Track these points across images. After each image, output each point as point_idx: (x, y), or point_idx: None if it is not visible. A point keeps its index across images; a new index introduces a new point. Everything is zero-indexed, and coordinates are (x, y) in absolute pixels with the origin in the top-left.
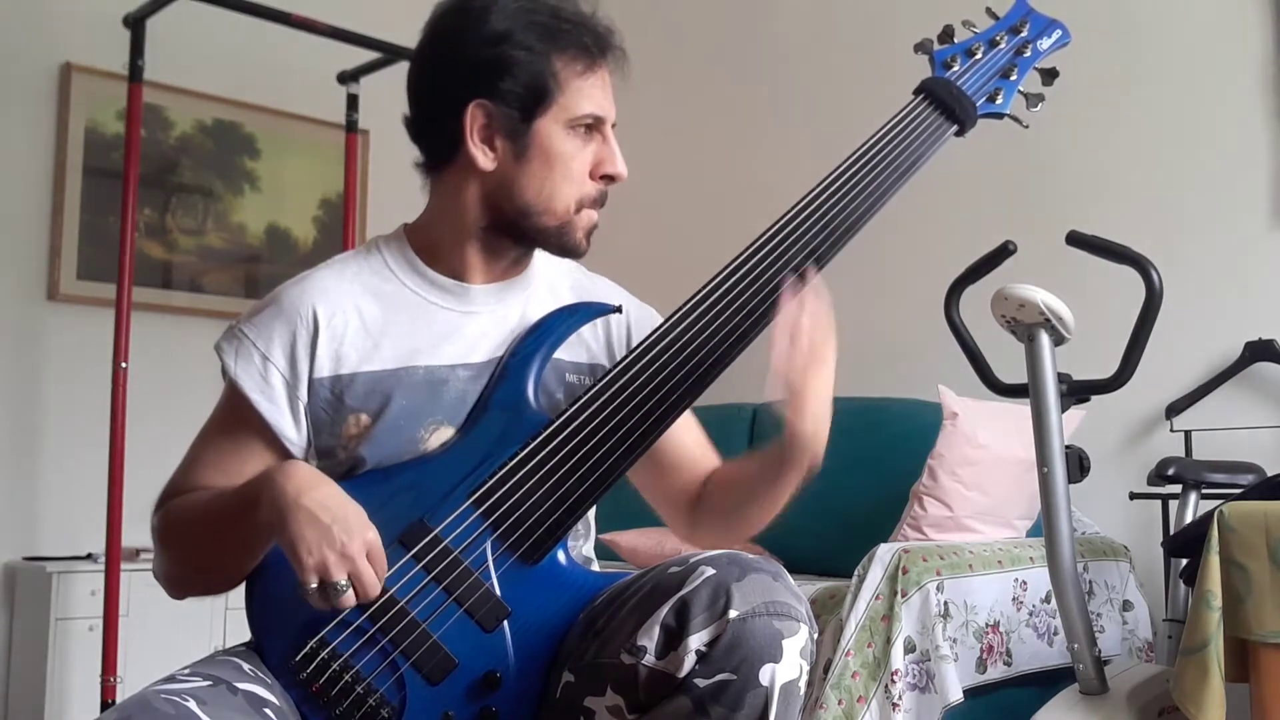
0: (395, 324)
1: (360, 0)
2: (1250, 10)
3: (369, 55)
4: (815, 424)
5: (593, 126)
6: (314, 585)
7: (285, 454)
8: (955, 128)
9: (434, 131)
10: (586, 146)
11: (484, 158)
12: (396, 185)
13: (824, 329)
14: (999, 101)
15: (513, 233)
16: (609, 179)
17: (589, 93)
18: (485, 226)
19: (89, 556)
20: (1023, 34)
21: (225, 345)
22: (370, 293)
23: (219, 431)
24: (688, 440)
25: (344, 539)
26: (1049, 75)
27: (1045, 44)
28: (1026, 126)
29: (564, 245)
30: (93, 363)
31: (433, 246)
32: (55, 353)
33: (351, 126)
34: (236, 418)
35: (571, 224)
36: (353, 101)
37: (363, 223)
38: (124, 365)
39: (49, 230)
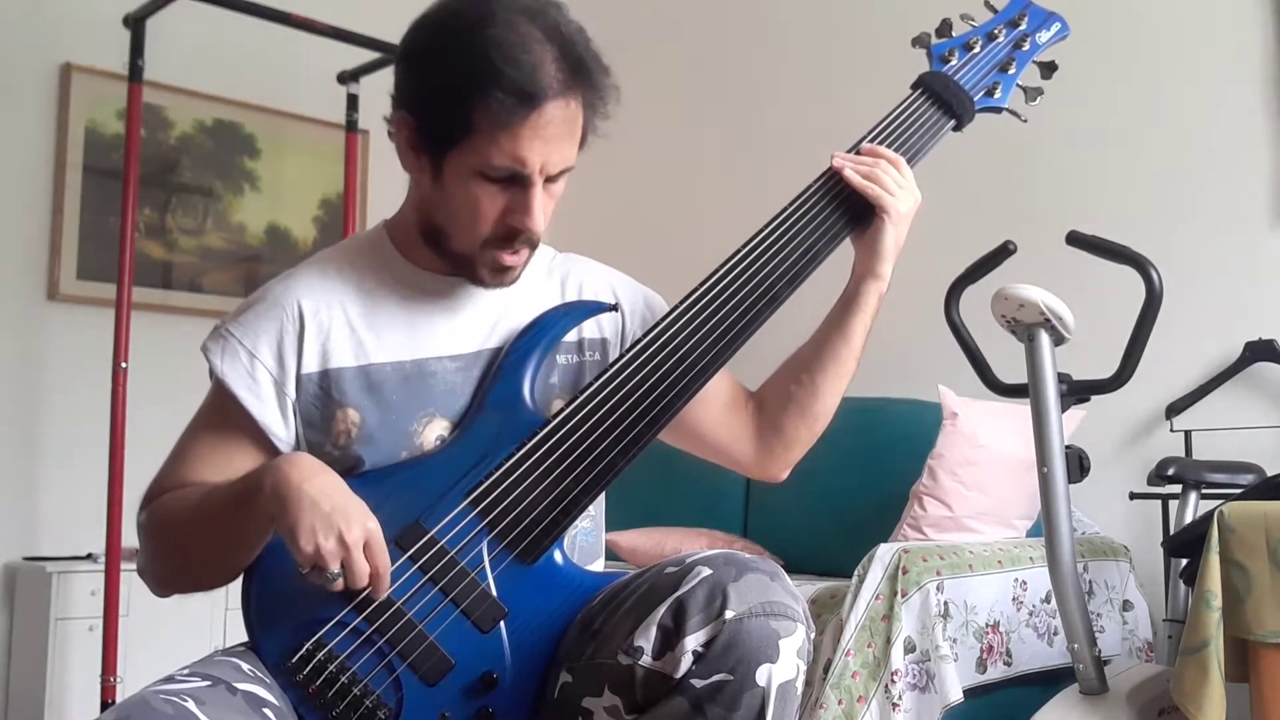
0: (380, 318)
1: (360, 0)
2: (1250, 10)
3: (369, 55)
4: (898, 233)
5: (511, 178)
6: (306, 571)
7: (274, 451)
8: (953, 123)
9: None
10: (501, 192)
11: (410, 165)
12: (396, 185)
13: (890, 162)
14: (997, 96)
15: (436, 247)
16: (515, 231)
17: (506, 145)
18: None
19: (89, 556)
20: (1021, 27)
21: (211, 345)
22: (354, 288)
23: (207, 429)
24: (719, 390)
25: (342, 526)
26: (1048, 68)
27: (1044, 37)
28: (1025, 121)
29: (469, 276)
30: (93, 363)
31: (410, 241)
32: (55, 353)
33: (351, 126)
34: (224, 416)
35: (475, 259)
36: (353, 101)
37: (363, 223)
38: (124, 365)
39: (49, 230)
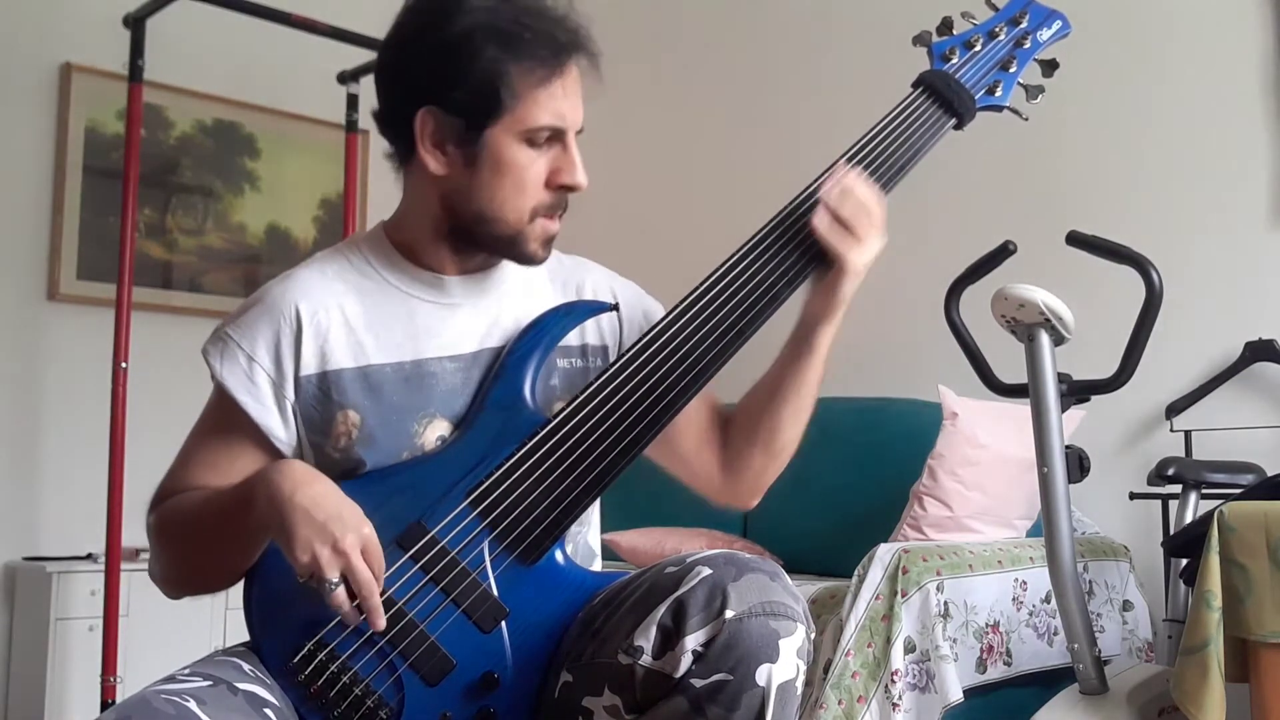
0: (379, 319)
1: (360, 0)
2: (1250, 10)
3: (369, 55)
4: (850, 286)
5: (551, 137)
6: (304, 581)
7: (276, 453)
8: (954, 121)
9: (393, 130)
10: (543, 155)
11: (435, 163)
12: (396, 185)
13: (861, 208)
14: (998, 94)
15: (468, 238)
16: (566, 189)
17: (546, 103)
18: (449, 228)
19: (89, 556)
20: (1022, 25)
21: (211, 349)
22: (353, 288)
23: (210, 433)
24: (700, 416)
25: (338, 535)
26: (1049, 66)
27: (1045, 35)
28: (1026, 119)
29: (518, 255)
30: (93, 363)
31: (410, 242)
32: (55, 353)
33: (351, 126)
34: (226, 419)
35: (524, 234)
36: (353, 101)
37: (363, 223)
38: (124, 365)
39: (49, 230)
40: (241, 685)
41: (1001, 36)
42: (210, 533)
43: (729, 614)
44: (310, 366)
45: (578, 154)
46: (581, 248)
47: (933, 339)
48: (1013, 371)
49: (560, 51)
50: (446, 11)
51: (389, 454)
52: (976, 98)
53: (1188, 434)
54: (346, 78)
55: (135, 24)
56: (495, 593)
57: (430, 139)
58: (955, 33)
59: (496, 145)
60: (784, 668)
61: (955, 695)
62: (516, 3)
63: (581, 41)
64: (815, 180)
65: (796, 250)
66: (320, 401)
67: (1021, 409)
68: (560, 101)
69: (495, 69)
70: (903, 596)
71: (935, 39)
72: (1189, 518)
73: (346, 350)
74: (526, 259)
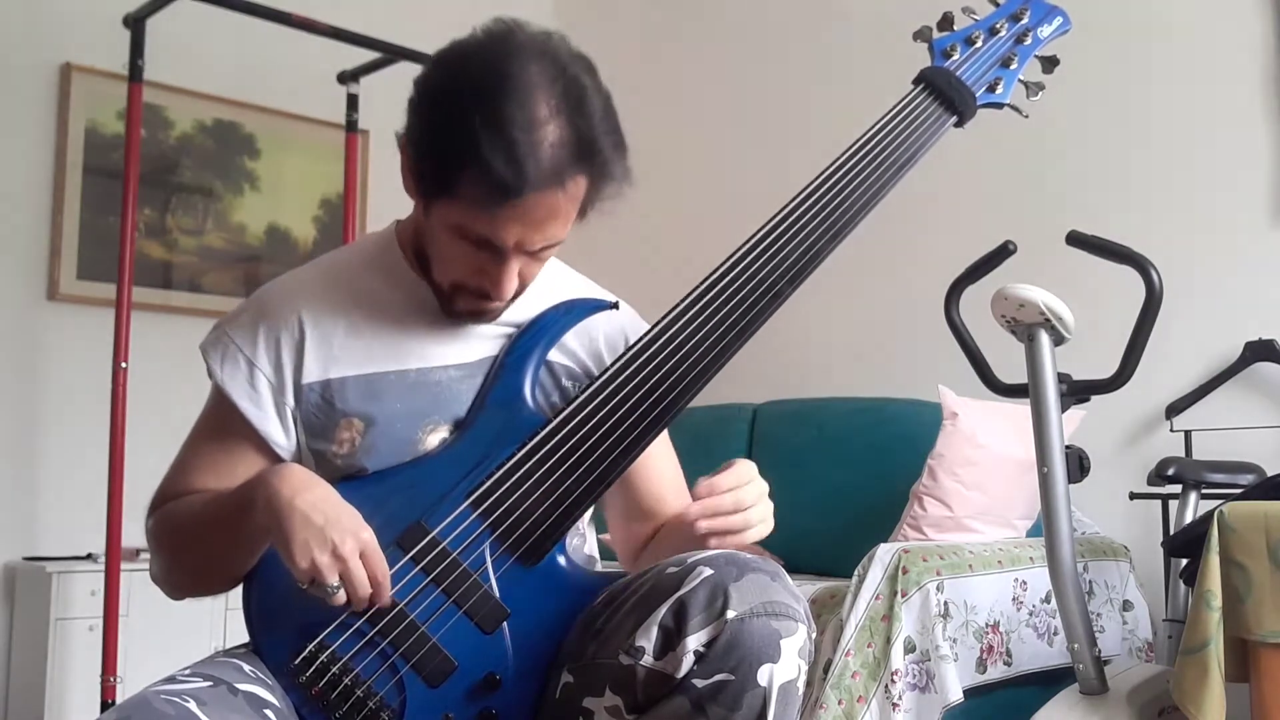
0: (384, 326)
1: (360, 0)
2: (1250, 10)
3: (369, 55)
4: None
5: (487, 244)
6: (306, 586)
7: (275, 457)
8: (954, 119)
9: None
10: (476, 252)
11: (409, 188)
12: (396, 185)
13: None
14: (999, 91)
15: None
16: (484, 290)
17: (483, 223)
18: (418, 249)
19: (89, 556)
20: (1023, 21)
21: (211, 349)
22: (357, 294)
23: (209, 436)
24: (665, 487)
25: (336, 540)
26: (1049, 63)
27: (1046, 31)
28: (1026, 116)
29: (446, 310)
30: (93, 363)
31: (417, 247)
32: (55, 353)
33: (351, 126)
34: (226, 422)
35: (449, 295)
36: (353, 101)
37: (363, 223)
38: (124, 365)
39: (49, 230)
40: (242, 686)
41: (1003, 33)
42: (209, 537)
43: (730, 614)
44: (313, 374)
45: (512, 270)
46: (580, 248)
47: (933, 339)
48: (1013, 371)
49: (515, 188)
50: (455, 76)
51: (392, 461)
52: (977, 95)
53: (1188, 434)
54: (346, 78)
55: (135, 24)
56: (496, 594)
57: (404, 166)
58: (956, 28)
59: (436, 216)
60: (785, 668)
61: (955, 695)
62: (524, 102)
63: (573, 162)
64: (818, 176)
65: (799, 247)
66: (323, 409)
67: (1021, 409)
68: (500, 227)
69: (444, 161)
70: (903, 596)
71: (936, 35)
72: (1189, 518)
73: (351, 357)
74: (453, 316)
